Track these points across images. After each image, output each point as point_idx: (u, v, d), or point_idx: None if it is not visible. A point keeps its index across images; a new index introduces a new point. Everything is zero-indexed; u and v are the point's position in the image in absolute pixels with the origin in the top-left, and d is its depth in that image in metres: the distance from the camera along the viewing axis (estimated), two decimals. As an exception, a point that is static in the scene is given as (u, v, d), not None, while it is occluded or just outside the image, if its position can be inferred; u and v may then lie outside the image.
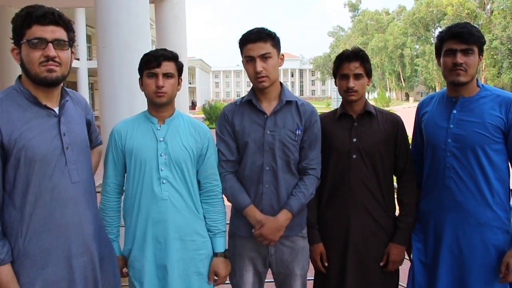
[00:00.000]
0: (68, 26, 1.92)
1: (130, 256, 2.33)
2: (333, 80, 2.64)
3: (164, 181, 2.27)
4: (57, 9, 1.94)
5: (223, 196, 2.49)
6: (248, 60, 2.38)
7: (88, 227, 2.03)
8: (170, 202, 2.28)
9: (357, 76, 2.48)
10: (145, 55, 2.29)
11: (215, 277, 2.41)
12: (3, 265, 1.82)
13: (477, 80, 2.40)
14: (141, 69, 2.31)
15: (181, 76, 2.37)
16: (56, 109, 1.96)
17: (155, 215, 2.27)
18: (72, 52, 1.98)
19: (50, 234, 1.90)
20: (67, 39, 1.91)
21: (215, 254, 2.41)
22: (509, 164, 2.38)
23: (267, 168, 2.40)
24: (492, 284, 2.32)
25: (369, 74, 2.53)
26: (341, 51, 2.59)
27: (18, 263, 1.86)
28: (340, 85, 2.54)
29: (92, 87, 27.28)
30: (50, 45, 1.84)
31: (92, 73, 23.12)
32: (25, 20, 1.83)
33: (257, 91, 2.46)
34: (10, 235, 1.86)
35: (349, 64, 2.48)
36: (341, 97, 2.60)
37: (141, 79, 2.33)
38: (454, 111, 2.38)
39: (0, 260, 1.81)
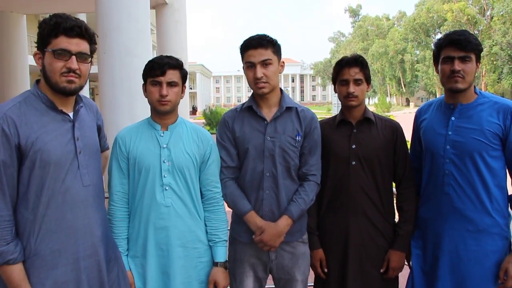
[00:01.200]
0: (92, 39, 1.99)
1: (133, 263, 2.32)
2: (333, 84, 2.65)
3: (167, 188, 2.27)
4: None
5: (224, 202, 2.49)
6: (249, 66, 2.39)
7: (97, 230, 2.07)
8: (173, 209, 2.27)
9: (357, 82, 2.49)
10: (150, 62, 2.29)
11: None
12: (16, 264, 1.85)
13: (474, 87, 2.41)
14: (145, 76, 2.30)
15: (185, 83, 2.37)
16: (71, 114, 2.02)
17: (157, 221, 2.26)
18: (91, 62, 2.03)
19: (61, 235, 1.93)
20: (89, 52, 1.98)
21: (215, 264, 2.38)
22: (507, 170, 2.38)
23: (268, 174, 2.41)
24: (491, 290, 2.32)
25: (368, 80, 2.54)
26: (341, 56, 2.60)
27: (29, 263, 1.89)
28: (340, 91, 2.55)
29: (93, 92, 27.31)
30: (74, 57, 1.90)
31: (92, 78, 23.15)
32: (53, 30, 1.88)
33: (257, 98, 2.47)
34: (22, 235, 1.90)
35: (349, 69, 2.49)
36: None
37: (144, 85, 2.33)
38: (453, 118, 2.39)
39: (13, 259, 1.84)
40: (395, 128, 2.58)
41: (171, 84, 2.26)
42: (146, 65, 2.30)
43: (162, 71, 2.23)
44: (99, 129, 2.27)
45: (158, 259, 2.29)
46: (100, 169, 2.19)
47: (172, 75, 2.26)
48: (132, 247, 2.33)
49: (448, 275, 2.37)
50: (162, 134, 2.32)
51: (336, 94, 2.63)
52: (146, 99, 2.34)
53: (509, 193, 2.39)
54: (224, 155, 2.48)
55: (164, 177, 2.26)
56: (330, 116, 2.78)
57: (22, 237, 1.89)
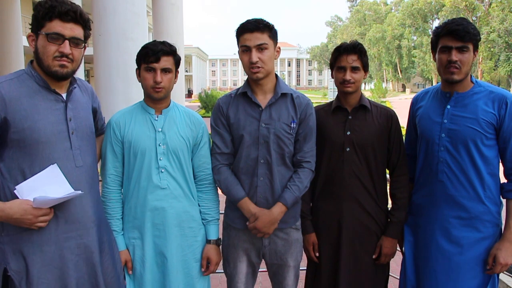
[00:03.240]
0: (86, 24, 1.98)
1: (131, 245, 2.37)
2: (330, 70, 2.65)
3: (162, 170, 2.32)
4: None
5: (218, 187, 2.52)
6: (244, 50, 2.37)
7: (88, 210, 2.09)
8: (169, 190, 2.33)
9: (354, 69, 2.49)
10: (144, 48, 2.30)
11: (207, 265, 2.46)
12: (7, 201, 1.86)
13: (471, 76, 2.41)
14: (138, 61, 2.32)
15: (178, 69, 2.39)
16: (64, 95, 2.02)
17: (154, 203, 2.32)
18: (84, 47, 2.03)
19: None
20: (83, 38, 1.98)
21: (208, 241, 2.47)
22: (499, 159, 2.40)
23: (262, 161, 2.41)
24: (481, 276, 2.36)
25: (365, 67, 2.54)
26: (338, 41, 2.63)
27: (18, 237, 1.91)
28: (336, 77, 2.55)
29: (88, 73, 27.14)
30: (67, 42, 1.91)
31: (88, 59, 23.00)
32: (47, 13, 1.88)
33: (252, 83, 2.46)
34: None
35: (347, 56, 2.49)
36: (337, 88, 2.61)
37: (138, 70, 2.35)
38: (448, 107, 2.40)
39: None
40: (390, 116, 2.58)
41: (165, 70, 2.28)
42: (140, 50, 2.31)
43: (157, 57, 2.25)
44: (95, 112, 2.29)
45: (155, 239, 2.34)
46: (95, 150, 2.20)
47: (166, 61, 2.28)
48: (129, 229, 2.38)
49: (440, 261, 2.40)
50: (156, 118, 2.36)
51: (333, 80, 2.63)
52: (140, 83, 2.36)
53: (501, 181, 2.41)
54: (218, 141, 2.49)
55: (160, 160, 2.31)
56: (326, 102, 2.79)
57: None
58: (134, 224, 2.36)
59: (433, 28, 2.47)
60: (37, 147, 1.90)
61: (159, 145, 2.31)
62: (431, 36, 2.49)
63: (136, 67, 2.36)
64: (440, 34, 2.35)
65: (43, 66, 1.92)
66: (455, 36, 2.28)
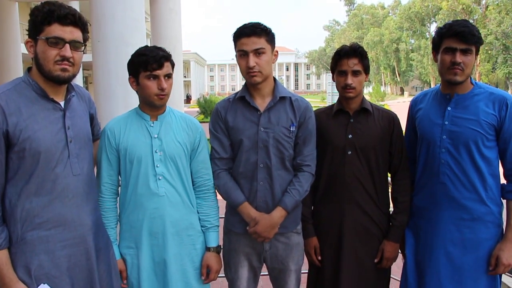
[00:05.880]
0: (85, 28, 1.98)
1: (127, 254, 2.34)
2: (328, 74, 2.66)
3: (160, 177, 2.28)
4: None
5: (217, 192, 2.50)
6: (241, 55, 2.36)
7: (86, 218, 2.07)
8: (167, 198, 2.29)
9: (355, 73, 2.48)
10: (142, 56, 2.22)
11: (207, 272, 2.42)
12: (0, 250, 1.85)
13: (470, 77, 2.41)
14: (136, 69, 2.24)
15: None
16: (62, 103, 2.01)
17: (151, 211, 2.28)
18: (83, 51, 2.03)
19: (48, 223, 1.94)
20: (82, 41, 1.97)
21: (207, 249, 2.42)
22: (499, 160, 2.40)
23: (261, 165, 2.40)
24: (483, 277, 2.35)
25: (367, 70, 2.53)
26: (336, 45, 2.63)
27: (16, 247, 1.90)
28: (338, 81, 2.54)
29: (86, 80, 27.13)
30: (67, 45, 1.90)
31: (86, 66, 22.99)
32: (46, 17, 1.87)
33: (250, 87, 2.44)
34: (9, 221, 1.90)
35: (347, 60, 2.47)
36: (336, 91, 2.60)
37: (133, 79, 2.27)
38: (449, 108, 2.40)
39: None
40: (392, 119, 2.58)
41: (168, 76, 2.25)
42: (137, 58, 2.23)
43: (160, 64, 2.20)
44: (92, 118, 2.28)
45: (153, 248, 2.31)
46: (92, 158, 2.19)
47: (168, 67, 2.25)
48: (127, 237, 2.34)
49: (442, 264, 2.39)
50: (152, 125, 2.31)
51: (332, 83, 2.64)
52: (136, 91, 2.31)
53: (501, 182, 2.41)
54: (217, 146, 2.47)
55: (157, 167, 2.27)
56: (327, 105, 2.78)
57: (9, 223, 1.90)
58: (131, 233, 2.32)
59: (431, 30, 2.48)
60: (37, 157, 1.89)
61: (156, 151, 2.27)
62: (433, 36, 2.48)
63: (129, 75, 2.28)
64: (444, 35, 2.35)
65: (44, 72, 1.91)
66: (461, 38, 2.28)
